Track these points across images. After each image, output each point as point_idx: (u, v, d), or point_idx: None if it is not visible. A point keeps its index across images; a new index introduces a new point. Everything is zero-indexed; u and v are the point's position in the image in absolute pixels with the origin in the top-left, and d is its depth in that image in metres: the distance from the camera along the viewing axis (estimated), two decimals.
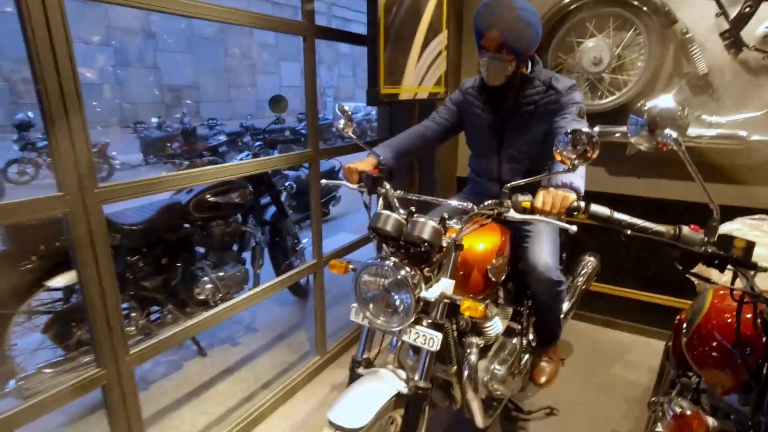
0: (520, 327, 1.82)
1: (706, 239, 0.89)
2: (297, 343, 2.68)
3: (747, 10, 2.01)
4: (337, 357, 2.49)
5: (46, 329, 1.94)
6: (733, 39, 2.07)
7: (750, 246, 0.85)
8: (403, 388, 1.24)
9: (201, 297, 2.38)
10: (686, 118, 0.92)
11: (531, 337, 1.89)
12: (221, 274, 2.47)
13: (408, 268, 1.19)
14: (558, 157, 1.18)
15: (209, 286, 2.40)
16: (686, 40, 2.19)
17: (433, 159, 2.87)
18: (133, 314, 2.15)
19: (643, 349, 2.57)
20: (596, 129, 2.42)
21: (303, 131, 9.62)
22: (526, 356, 1.87)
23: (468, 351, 1.49)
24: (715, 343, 1.02)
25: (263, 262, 2.86)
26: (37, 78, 1.12)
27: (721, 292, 1.13)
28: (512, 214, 1.23)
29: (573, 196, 1.20)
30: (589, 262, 2.34)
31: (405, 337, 1.26)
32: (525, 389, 2.22)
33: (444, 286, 1.24)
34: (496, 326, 1.57)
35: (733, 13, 2.06)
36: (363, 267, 1.24)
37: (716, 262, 0.86)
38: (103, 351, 1.37)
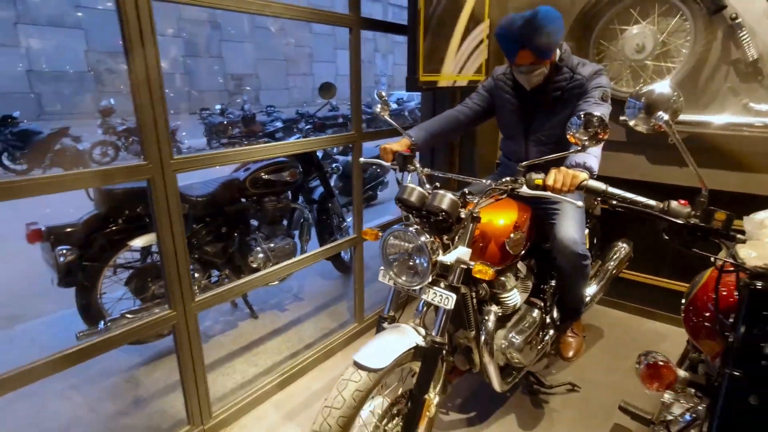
0: (543, 304, 1.92)
1: (692, 212, 0.98)
2: (338, 312, 2.91)
3: None
4: (373, 326, 2.70)
5: (128, 282, 2.29)
6: None
7: (729, 218, 0.93)
8: (422, 342, 1.41)
9: (254, 265, 2.66)
10: (679, 103, 1.00)
11: (555, 315, 1.99)
12: (272, 245, 2.74)
13: (427, 235, 1.35)
14: (572, 140, 1.28)
15: (261, 255, 2.68)
16: (735, 26, 2.14)
17: (474, 143, 2.97)
18: (197, 275, 2.47)
19: (678, 339, 2.56)
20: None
21: None
22: (550, 333, 1.98)
23: (486, 318, 1.63)
24: (707, 314, 1.10)
25: (310, 237, 3.11)
26: (129, 69, 1.37)
27: None
28: (525, 190, 1.35)
29: (583, 175, 1.30)
30: (622, 248, 2.37)
31: (424, 296, 1.42)
32: (550, 366, 2.33)
33: (460, 252, 1.38)
34: (514, 297, 1.69)
35: None
36: (389, 231, 1.41)
37: (699, 233, 0.95)
38: (174, 297, 1.65)
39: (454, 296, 1.38)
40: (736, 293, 0.93)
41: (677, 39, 2.30)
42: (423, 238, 1.34)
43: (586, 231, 2.22)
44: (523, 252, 1.73)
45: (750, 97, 2.20)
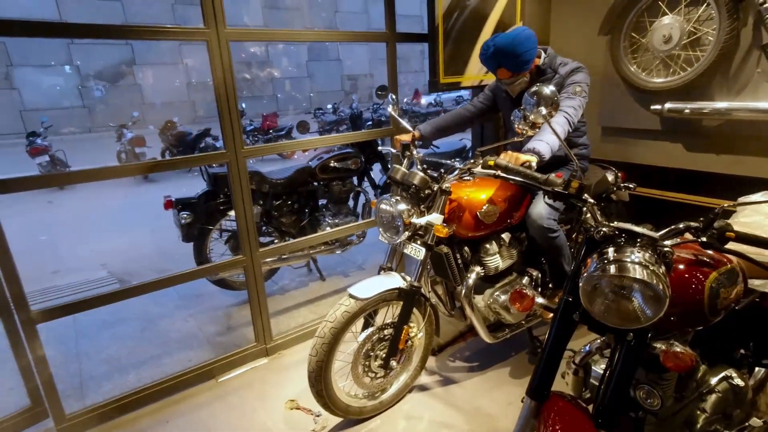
0: (539, 274, 2.20)
1: (560, 183, 1.27)
2: None
3: None
4: None
5: (227, 242, 3.10)
6: None
7: (581, 187, 1.23)
8: (403, 285, 1.86)
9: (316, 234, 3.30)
10: (556, 102, 1.30)
11: (550, 285, 2.25)
12: (337, 221, 3.36)
13: (405, 204, 1.80)
14: (517, 129, 1.61)
15: (328, 228, 3.31)
16: (763, 10, 2.13)
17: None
18: (276, 241, 3.19)
19: None
20: (667, 105, 2.50)
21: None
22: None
23: (468, 275, 2.01)
24: None
25: (371, 217, 3.66)
26: (216, 91, 2.05)
27: None
28: (479, 170, 1.71)
29: (526, 157, 1.63)
30: None
31: (405, 250, 1.87)
32: None
33: (432, 218, 1.80)
34: (495, 261, 2.03)
35: None
36: (380, 200, 1.88)
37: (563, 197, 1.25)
38: (244, 247, 2.32)
39: (425, 250, 1.80)
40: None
41: (707, 27, 2.33)
42: (400, 206, 1.79)
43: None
44: (508, 223, 2.05)
45: None
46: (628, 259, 1.05)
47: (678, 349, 1.14)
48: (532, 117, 1.38)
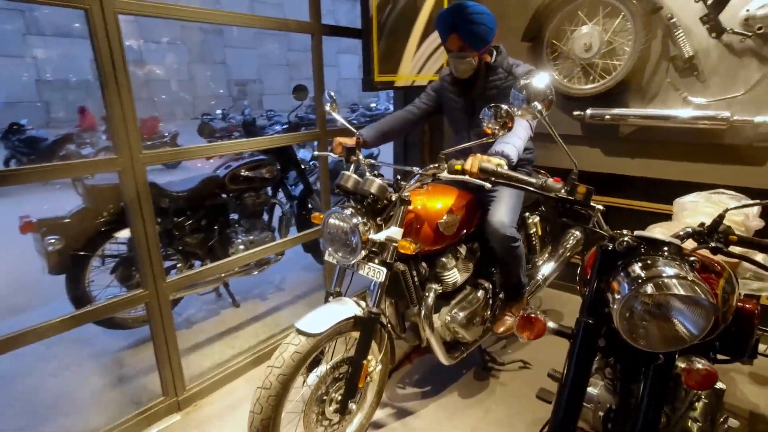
0: (490, 285, 2.08)
1: (562, 187, 1.13)
2: (316, 300, 3.08)
3: None
4: None
5: (113, 271, 2.49)
6: (712, 23, 2.16)
7: (589, 192, 1.09)
8: (360, 312, 1.58)
9: (234, 256, 2.84)
10: (552, 95, 1.17)
11: (502, 296, 2.15)
12: (251, 237, 2.92)
13: (360, 217, 1.52)
14: (486, 130, 1.44)
15: (241, 246, 2.86)
16: (671, 25, 2.29)
17: (443, 139, 3.15)
18: (179, 265, 2.66)
19: None
20: (588, 111, 2.58)
21: (354, 120, 10.08)
22: (497, 312, 2.13)
23: (427, 294, 1.80)
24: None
25: (288, 231, 3.29)
26: (100, 75, 1.56)
27: None
28: (445, 175, 1.52)
29: (496, 160, 1.46)
30: (574, 235, 2.52)
31: (360, 271, 1.59)
32: (507, 346, 2.49)
33: (391, 232, 1.55)
34: (453, 276, 1.86)
35: None
36: (329, 213, 1.58)
37: (567, 204, 1.11)
38: (146, 278, 1.83)
39: (385, 270, 1.55)
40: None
41: (622, 38, 2.45)
42: (355, 220, 1.51)
43: (537, 218, 2.38)
44: (464, 234, 1.89)
45: (688, 90, 2.35)
46: (664, 274, 0.92)
47: (700, 366, 1.04)
48: (519, 113, 1.22)
